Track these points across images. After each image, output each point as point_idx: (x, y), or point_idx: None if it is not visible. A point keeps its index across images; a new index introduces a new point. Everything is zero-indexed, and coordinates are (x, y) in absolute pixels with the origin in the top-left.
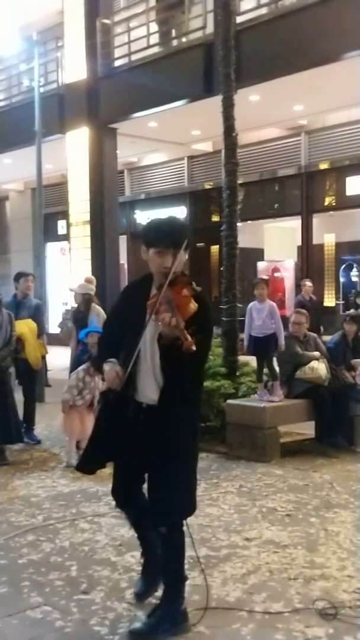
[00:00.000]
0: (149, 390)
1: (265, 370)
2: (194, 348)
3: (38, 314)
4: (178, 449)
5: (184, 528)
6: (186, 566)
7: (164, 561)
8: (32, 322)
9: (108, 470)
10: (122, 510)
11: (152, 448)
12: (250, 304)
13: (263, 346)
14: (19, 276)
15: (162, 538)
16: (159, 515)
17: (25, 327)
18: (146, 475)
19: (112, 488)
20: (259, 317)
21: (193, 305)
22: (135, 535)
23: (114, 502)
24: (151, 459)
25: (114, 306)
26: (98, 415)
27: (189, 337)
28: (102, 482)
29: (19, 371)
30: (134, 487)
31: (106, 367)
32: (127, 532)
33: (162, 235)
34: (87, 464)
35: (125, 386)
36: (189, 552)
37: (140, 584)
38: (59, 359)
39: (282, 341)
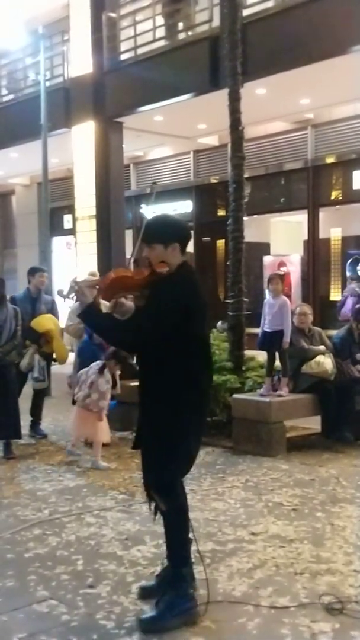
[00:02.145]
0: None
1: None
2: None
3: (55, 310)
4: (155, 426)
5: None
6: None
7: (166, 541)
8: (55, 318)
9: (113, 464)
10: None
11: (143, 425)
12: (266, 298)
13: (271, 341)
14: (34, 270)
15: (163, 519)
16: (156, 491)
17: (51, 323)
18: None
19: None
20: (270, 312)
21: (118, 270)
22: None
23: (120, 496)
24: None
25: None
26: None
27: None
28: (108, 476)
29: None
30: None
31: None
32: (133, 527)
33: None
34: None
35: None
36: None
37: (149, 582)
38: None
39: (287, 338)
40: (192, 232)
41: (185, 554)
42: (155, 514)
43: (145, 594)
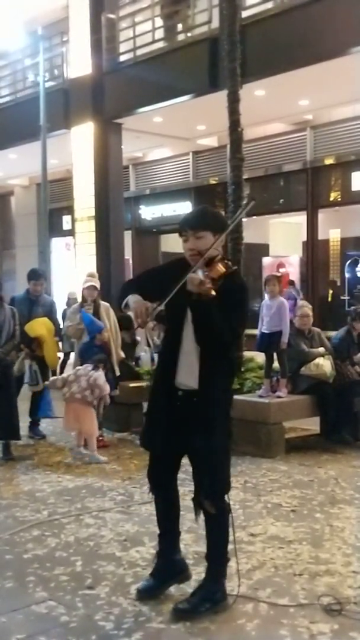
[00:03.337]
0: (188, 376)
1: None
2: (213, 293)
3: (53, 312)
4: (217, 429)
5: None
6: (191, 562)
7: (210, 542)
8: (49, 322)
9: (112, 466)
10: (156, 495)
11: (192, 432)
12: (264, 300)
13: (269, 342)
14: (30, 277)
15: (210, 520)
16: (209, 496)
17: (43, 328)
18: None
19: (148, 471)
20: (268, 313)
21: (221, 267)
22: (158, 532)
23: (119, 497)
24: (193, 442)
25: (158, 267)
26: (149, 398)
27: (210, 285)
28: (107, 478)
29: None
30: (170, 472)
31: (132, 298)
32: (132, 528)
33: (182, 222)
34: (147, 443)
35: (166, 374)
36: (194, 548)
37: (146, 582)
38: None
39: (284, 339)
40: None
41: (227, 550)
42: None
43: (145, 595)
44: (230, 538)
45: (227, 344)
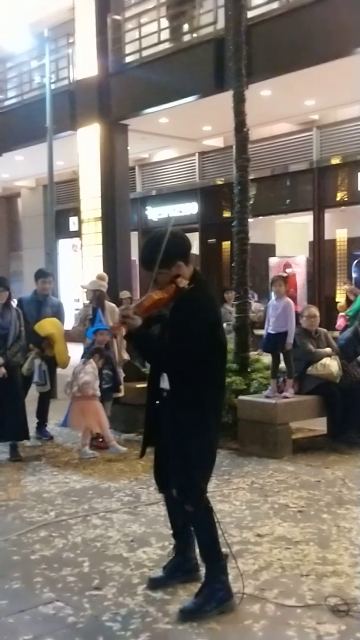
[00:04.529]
0: (164, 378)
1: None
2: (136, 323)
3: (61, 313)
4: (183, 431)
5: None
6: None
7: (198, 542)
8: (58, 322)
9: (118, 466)
10: (163, 492)
11: (170, 432)
12: (270, 300)
13: (275, 342)
14: (38, 275)
15: (190, 518)
16: (179, 494)
17: (54, 327)
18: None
19: (154, 471)
20: (274, 313)
21: (150, 297)
22: (171, 531)
23: (126, 498)
24: (171, 443)
25: None
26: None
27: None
28: (114, 478)
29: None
30: (168, 471)
31: None
32: (139, 528)
33: (140, 257)
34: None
35: (151, 377)
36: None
37: (157, 574)
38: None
39: (290, 340)
40: (197, 234)
41: (217, 547)
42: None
43: (154, 585)
44: (237, 539)
45: (168, 363)
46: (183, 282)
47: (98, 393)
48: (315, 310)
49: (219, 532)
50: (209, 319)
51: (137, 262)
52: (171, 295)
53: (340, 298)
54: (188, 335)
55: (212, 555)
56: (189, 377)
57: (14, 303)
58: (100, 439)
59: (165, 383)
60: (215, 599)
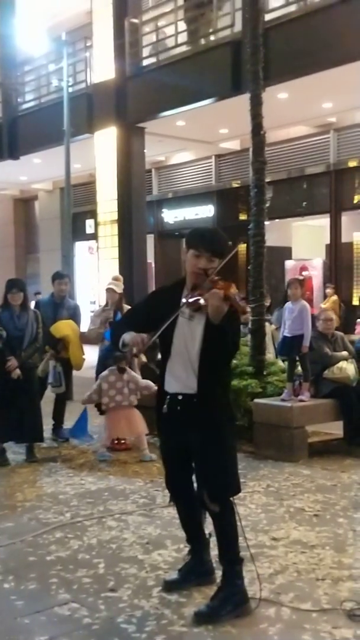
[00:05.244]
0: (186, 380)
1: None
2: (248, 309)
3: (77, 315)
4: (221, 431)
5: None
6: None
7: (220, 543)
8: (74, 324)
9: (134, 468)
10: (176, 503)
11: (196, 434)
12: (286, 303)
13: (291, 345)
14: (54, 277)
15: (215, 519)
16: (212, 495)
17: (69, 328)
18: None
19: (166, 481)
20: (290, 316)
21: (233, 289)
22: (185, 536)
23: (141, 500)
24: (197, 444)
25: (146, 298)
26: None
27: (240, 303)
28: (129, 480)
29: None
30: (186, 478)
31: (127, 336)
32: (154, 531)
33: (202, 241)
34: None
35: (162, 383)
36: (215, 551)
37: (172, 576)
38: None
39: (306, 343)
40: None
41: (238, 550)
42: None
43: (169, 587)
44: (244, 544)
45: (232, 354)
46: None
47: (123, 403)
48: (331, 314)
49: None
50: None
51: (153, 265)
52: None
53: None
54: (239, 331)
55: (232, 559)
56: (219, 376)
57: (32, 305)
58: (116, 441)
59: (180, 387)
60: (231, 602)
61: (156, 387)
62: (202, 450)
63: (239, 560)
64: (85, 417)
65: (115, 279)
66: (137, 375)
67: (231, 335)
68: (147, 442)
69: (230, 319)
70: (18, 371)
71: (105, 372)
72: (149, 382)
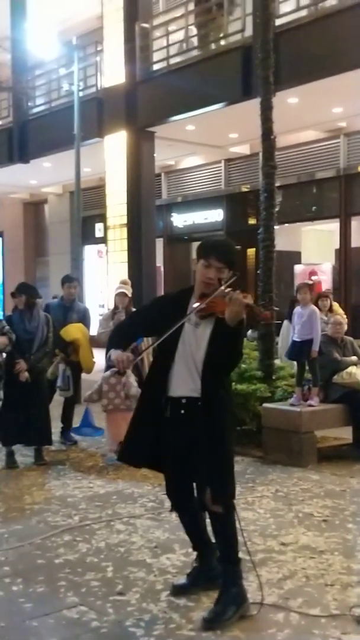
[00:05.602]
0: (190, 384)
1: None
2: (268, 313)
3: (86, 319)
4: (225, 433)
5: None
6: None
7: (221, 545)
8: (84, 327)
9: (142, 472)
10: (179, 512)
11: (200, 437)
12: (295, 308)
13: (300, 350)
14: (64, 281)
15: (218, 521)
16: (216, 496)
17: (79, 332)
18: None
19: (167, 490)
20: (299, 321)
21: (249, 299)
22: (191, 543)
23: (150, 504)
24: (201, 447)
25: (151, 304)
26: (134, 415)
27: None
28: (138, 484)
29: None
30: (188, 485)
31: (114, 353)
32: (163, 534)
33: (212, 250)
34: (129, 459)
35: (161, 387)
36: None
37: (180, 581)
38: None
39: (315, 347)
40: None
41: (238, 550)
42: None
43: (177, 591)
44: (261, 547)
45: (238, 360)
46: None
47: (121, 406)
48: (341, 319)
49: (241, 538)
50: None
51: (162, 269)
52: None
53: None
54: (241, 340)
55: (232, 559)
56: (222, 379)
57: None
58: None
59: (184, 391)
60: (235, 603)
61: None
62: (206, 452)
63: (239, 560)
64: (87, 415)
65: (123, 282)
66: (133, 382)
67: (241, 339)
68: None
69: (240, 327)
70: (26, 374)
71: (107, 373)
72: (138, 394)
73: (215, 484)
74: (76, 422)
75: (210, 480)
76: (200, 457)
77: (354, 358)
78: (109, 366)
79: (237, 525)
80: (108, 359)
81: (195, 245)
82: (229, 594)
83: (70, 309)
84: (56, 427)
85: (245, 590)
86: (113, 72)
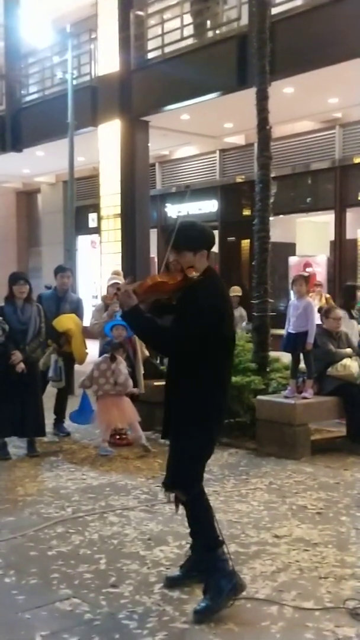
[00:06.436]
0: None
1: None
2: (132, 302)
3: (79, 309)
4: (183, 420)
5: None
6: None
7: (192, 534)
8: (76, 317)
9: (135, 463)
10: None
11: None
12: (291, 300)
13: (295, 342)
14: (57, 271)
15: (185, 507)
16: (169, 481)
17: (71, 322)
18: None
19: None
20: (295, 313)
21: (154, 277)
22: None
23: (143, 496)
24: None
25: None
26: None
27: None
28: (131, 476)
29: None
30: None
31: None
32: (156, 527)
33: (167, 236)
34: None
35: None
36: None
37: (174, 572)
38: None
39: (310, 340)
40: (216, 232)
41: (214, 534)
42: (177, 507)
43: (171, 583)
44: (254, 539)
45: (168, 346)
46: (192, 273)
47: (111, 392)
48: (340, 313)
49: (235, 531)
50: (214, 308)
51: (156, 260)
52: (177, 283)
53: None
54: (191, 320)
55: (208, 545)
56: (190, 367)
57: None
58: (118, 437)
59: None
60: (223, 590)
61: (134, 389)
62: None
63: (217, 544)
64: (86, 401)
65: (115, 273)
66: (123, 369)
67: (142, 330)
68: (146, 438)
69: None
70: (22, 365)
71: (99, 359)
72: (127, 382)
73: (171, 466)
74: (69, 413)
75: (168, 461)
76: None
77: (349, 350)
78: (101, 353)
79: (215, 518)
80: (106, 345)
81: None
82: (215, 582)
83: (63, 299)
84: (49, 418)
85: (231, 571)
86: (107, 60)
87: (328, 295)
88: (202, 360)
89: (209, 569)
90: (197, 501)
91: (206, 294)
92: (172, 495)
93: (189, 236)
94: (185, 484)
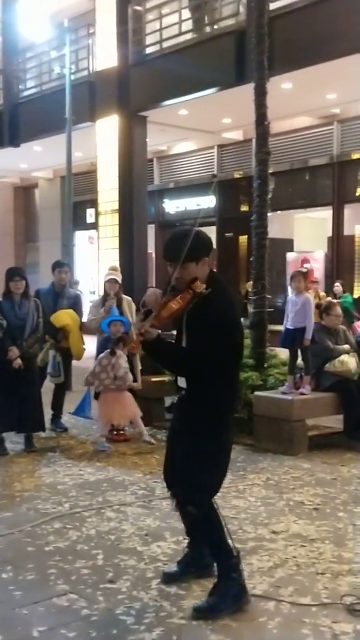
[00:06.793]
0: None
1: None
2: (153, 335)
3: (78, 305)
4: (195, 433)
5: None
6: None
7: (204, 541)
8: (74, 313)
9: (133, 459)
10: (170, 492)
11: (179, 429)
12: (289, 296)
13: (293, 338)
14: (55, 266)
15: (192, 518)
16: (184, 495)
17: (69, 318)
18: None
19: (163, 471)
20: (293, 309)
21: (169, 308)
22: (184, 529)
23: (140, 492)
24: (177, 439)
25: None
26: None
27: (135, 338)
28: (129, 471)
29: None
30: (170, 469)
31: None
32: (153, 522)
33: (164, 250)
34: None
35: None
36: None
37: (171, 568)
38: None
39: (308, 336)
40: (214, 228)
41: (226, 547)
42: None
43: (168, 579)
44: (251, 535)
45: (187, 371)
46: (200, 287)
47: (111, 386)
48: (340, 310)
49: (226, 530)
50: (227, 322)
51: (153, 255)
52: (188, 301)
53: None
54: (207, 341)
55: (221, 555)
56: (205, 378)
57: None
58: (115, 432)
59: (183, 382)
60: (229, 596)
61: (133, 383)
62: (179, 447)
63: (230, 554)
64: (88, 398)
65: (113, 269)
66: (123, 363)
67: (167, 359)
68: (147, 432)
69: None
70: (19, 361)
71: (101, 355)
72: (127, 376)
73: (182, 481)
74: (67, 409)
75: (179, 477)
76: (177, 448)
77: (347, 346)
78: (99, 349)
79: (223, 524)
80: (103, 341)
81: None
82: (223, 587)
83: (60, 294)
84: (46, 413)
85: (243, 583)
86: (105, 55)
87: (323, 294)
88: (217, 371)
89: (220, 576)
90: (207, 514)
91: (218, 308)
92: (175, 503)
93: (188, 247)
94: (202, 499)
